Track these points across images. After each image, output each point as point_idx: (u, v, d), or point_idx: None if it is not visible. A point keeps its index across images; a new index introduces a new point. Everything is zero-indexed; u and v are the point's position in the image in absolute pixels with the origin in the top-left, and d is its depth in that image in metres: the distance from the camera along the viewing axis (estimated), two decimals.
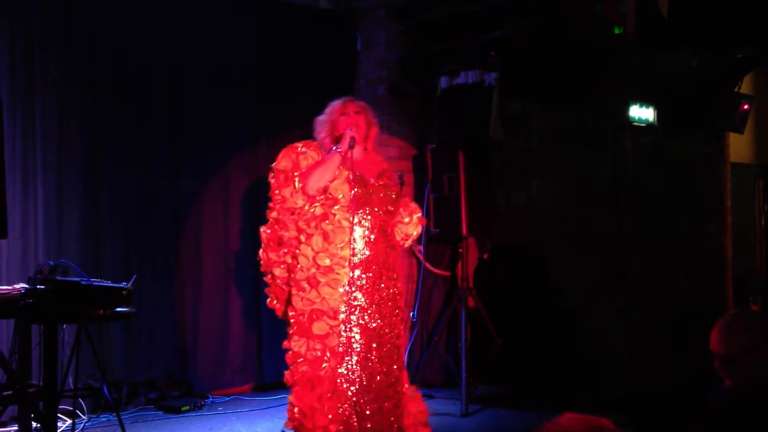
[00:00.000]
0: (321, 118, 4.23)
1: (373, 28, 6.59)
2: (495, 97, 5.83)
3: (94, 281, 4.12)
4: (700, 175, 5.99)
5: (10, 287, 4.28)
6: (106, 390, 4.70)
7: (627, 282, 5.93)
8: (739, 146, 6.47)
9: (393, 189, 4.19)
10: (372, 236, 4.02)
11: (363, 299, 3.99)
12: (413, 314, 6.13)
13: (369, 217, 4.02)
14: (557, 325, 6.16)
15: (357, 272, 3.98)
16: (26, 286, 4.05)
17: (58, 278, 4.07)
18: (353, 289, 3.97)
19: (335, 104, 4.24)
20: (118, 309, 4.17)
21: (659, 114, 6.03)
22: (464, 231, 5.75)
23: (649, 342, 5.75)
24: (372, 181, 4.08)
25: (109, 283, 4.23)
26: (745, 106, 5.70)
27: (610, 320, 5.95)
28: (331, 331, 3.93)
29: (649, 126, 6.08)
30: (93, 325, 4.44)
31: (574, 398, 5.42)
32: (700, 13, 5.58)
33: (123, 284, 4.21)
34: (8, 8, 5.03)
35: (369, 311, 4.00)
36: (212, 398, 5.71)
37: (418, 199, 6.31)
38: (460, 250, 5.92)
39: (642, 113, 6.13)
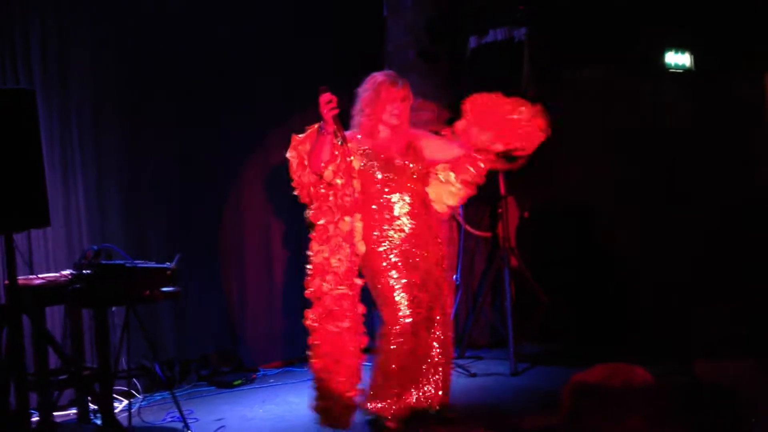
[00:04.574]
0: (365, 95, 4.17)
1: None
2: (526, 53, 5.74)
3: (138, 263, 4.19)
4: (742, 117, 5.86)
5: (57, 274, 4.39)
6: (158, 369, 4.80)
7: (675, 232, 5.84)
8: None
9: (420, 157, 4.22)
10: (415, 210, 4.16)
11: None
12: (456, 277, 6.11)
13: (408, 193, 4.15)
14: (603, 279, 6.10)
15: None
16: (73, 271, 4.15)
17: (103, 262, 4.16)
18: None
19: (381, 83, 4.15)
20: (164, 289, 4.25)
21: (696, 59, 5.90)
22: (502, 190, 5.70)
23: (702, 290, 5.67)
24: (397, 161, 4.14)
25: (153, 264, 4.31)
26: None
27: (658, 271, 5.88)
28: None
29: (687, 71, 5.96)
30: (142, 305, 4.51)
31: (624, 351, 5.35)
32: None
33: (167, 264, 4.28)
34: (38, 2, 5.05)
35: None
36: (263, 371, 5.78)
37: None
38: (500, 210, 5.87)
39: (678, 59, 6.00)
